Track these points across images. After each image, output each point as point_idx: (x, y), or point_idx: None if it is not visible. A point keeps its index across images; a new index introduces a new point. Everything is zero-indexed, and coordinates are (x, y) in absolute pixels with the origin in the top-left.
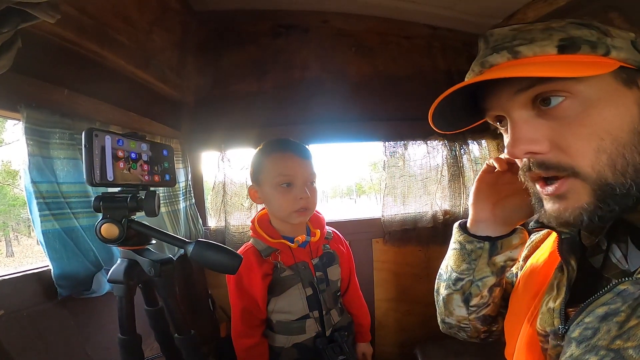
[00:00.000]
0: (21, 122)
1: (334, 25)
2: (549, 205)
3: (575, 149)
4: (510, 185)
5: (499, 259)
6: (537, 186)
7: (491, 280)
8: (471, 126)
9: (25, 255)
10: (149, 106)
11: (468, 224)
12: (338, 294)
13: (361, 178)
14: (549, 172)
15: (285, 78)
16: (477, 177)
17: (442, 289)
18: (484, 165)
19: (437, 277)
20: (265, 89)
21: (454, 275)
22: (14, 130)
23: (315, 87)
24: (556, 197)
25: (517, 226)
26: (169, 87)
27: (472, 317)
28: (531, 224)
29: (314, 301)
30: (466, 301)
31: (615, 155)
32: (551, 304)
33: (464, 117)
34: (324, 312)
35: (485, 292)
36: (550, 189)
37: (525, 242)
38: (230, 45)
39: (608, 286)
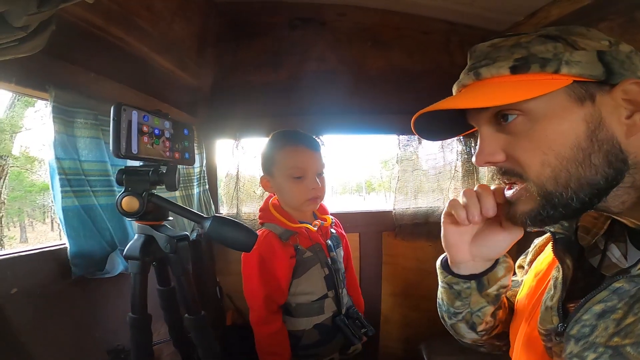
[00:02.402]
0: (49, 101)
1: (350, 19)
2: (513, 207)
3: (523, 161)
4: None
5: (491, 290)
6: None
7: (489, 309)
8: (462, 134)
9: (39, 241)
10: (168, 92)
11: (450, 264)
12: (344, 275)
13: (371, 175)
14: (508, 178)
15: (301, 69)
16: (442, 222)
17: (446, 318)
18: (443, 215)
19: (437, 305)
20: (280, 80)
21: (451, 309)
22: (35, 117)
23: (331, 79)
24: (515, 199)
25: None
26: (187, 75)
27: (484, 338)
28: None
29: (330, 281)
30: (472, 328)
31: (559, 169)
32: (549, 303)
33: (457, 127)
34: (339, 291)
35: (488, 319)
36: (509, 193)
37: (512, 269)
38: (248, 36)
39: (603, 284)
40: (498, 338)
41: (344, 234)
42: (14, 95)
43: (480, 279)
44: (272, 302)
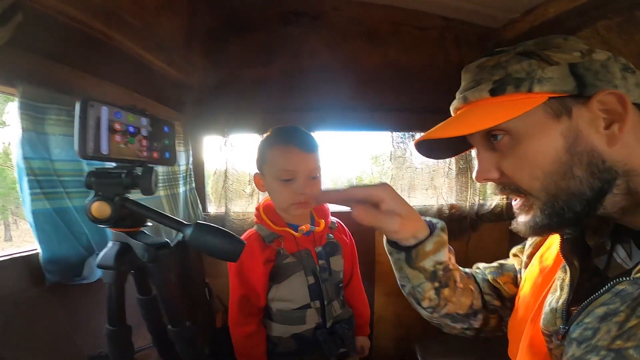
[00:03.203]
0: (16, 97)
1: (345, 14)
2: (518, 218)
3: (514, 177)
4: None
5: (427, 264)
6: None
7: (428, 285)
8: (465, 151)
9: (24, 240)
10: (153, 88)
11: None
12: (340, 286)
13: (362, 171)
14: (507, 193)
15: (294, 65)
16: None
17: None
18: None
19: None
20: (272, 75)
21: (398, 282)
22: (13, 113)
23: (324, 74)
24: (518, 211)
25: (436, 229)
26: (174, 70)
27: (435, 315)
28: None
29: (315, 290)
30: (418, 303)
31: (547, 182)
32: (554, 304)
33: (459, 144)
34: (325, 303)
35: (431, 295)
36: (514, 203)
37: (443, 244)
38: (239, 31)
39: (606, 286)
40: (451, 318)
41: (348, 240)
42: None
43: (409, 252)
44: (248, 304)
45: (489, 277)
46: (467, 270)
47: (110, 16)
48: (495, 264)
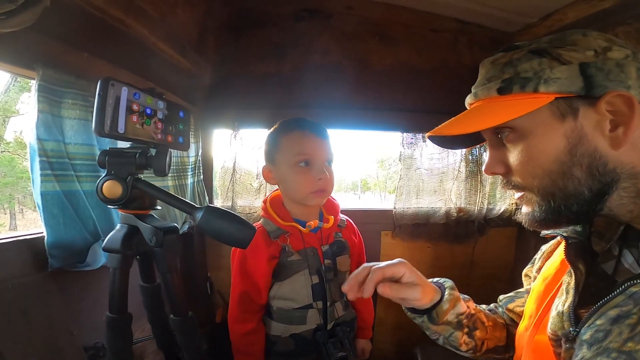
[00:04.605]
0: (35, 80)
1: (358, 13)
2: (522, 209)
3: (517, 172)
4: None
5: (449, 318)
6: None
7: (459, 334)
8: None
9: (28, 229)
10: (166, 78)
11: None
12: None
13: (367, 174)
14: (509, 187)
15: (305, 62)
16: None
17: None
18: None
19: None
20: (283, 71)
21: (430, 337)
22: (29, 102)
23: (335, 72)
24: (519, 202)
25: (446, 289)
26: (187, 62)
27: (478, 355)
28: (542, 233)
29: (319, 291)
30: (457, 349)
31: (545, 180)
32: (560, 308)
33: (476, 135)
34: (328, 304)
35: (466, 340)
36: (517, 196)
37: (458, 300)
38: (252, 26)
39: (620, 288)
40: (495, 352)
41: (356, 240)
42: (12, 78)
43: (430, 314)
44: (249, 301)
45: (504, 307)
46: (490, 306)
47: (130, 5)
48: (511, 293)
